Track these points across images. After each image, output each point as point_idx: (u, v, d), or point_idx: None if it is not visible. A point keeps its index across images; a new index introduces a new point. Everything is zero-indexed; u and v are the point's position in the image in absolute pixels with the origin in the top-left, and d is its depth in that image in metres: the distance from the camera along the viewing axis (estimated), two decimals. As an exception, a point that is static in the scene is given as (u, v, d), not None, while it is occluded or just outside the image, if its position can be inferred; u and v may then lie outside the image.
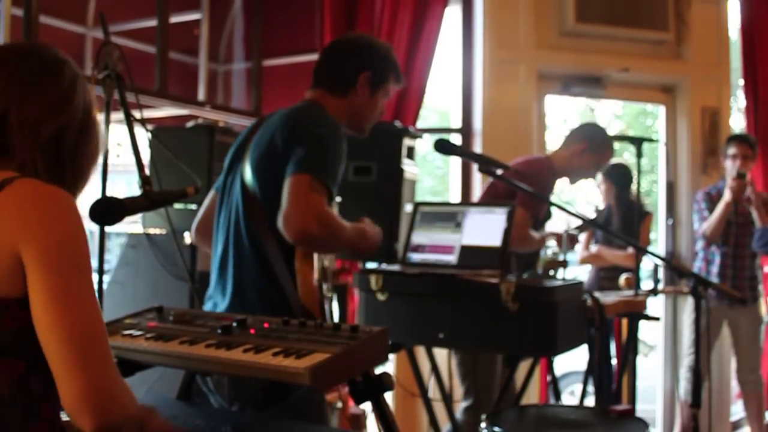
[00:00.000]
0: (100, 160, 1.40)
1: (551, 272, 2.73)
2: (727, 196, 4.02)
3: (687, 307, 4.38)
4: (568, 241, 3.04)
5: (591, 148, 3.32)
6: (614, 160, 4.01)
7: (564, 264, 2.72)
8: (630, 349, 3.47)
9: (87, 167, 1.32)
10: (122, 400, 1.13)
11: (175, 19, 3.69)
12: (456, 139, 4.35)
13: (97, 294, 2.31)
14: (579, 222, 3.34)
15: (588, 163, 3.34)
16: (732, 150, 4.13)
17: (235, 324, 1.46)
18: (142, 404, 1.28)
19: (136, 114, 2.11)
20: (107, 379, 1.11)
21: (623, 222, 4.23)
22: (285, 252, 1.79)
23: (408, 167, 2.99)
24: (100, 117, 2.05)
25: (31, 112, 1.22)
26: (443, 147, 2.34)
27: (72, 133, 1.27)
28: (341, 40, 2.18)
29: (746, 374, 4.12)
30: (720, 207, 4.06)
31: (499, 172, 2.45)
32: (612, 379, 3.28)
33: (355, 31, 3.74)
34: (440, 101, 10.16)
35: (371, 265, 2.78)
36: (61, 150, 1.26)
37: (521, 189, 2.53)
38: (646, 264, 4.12)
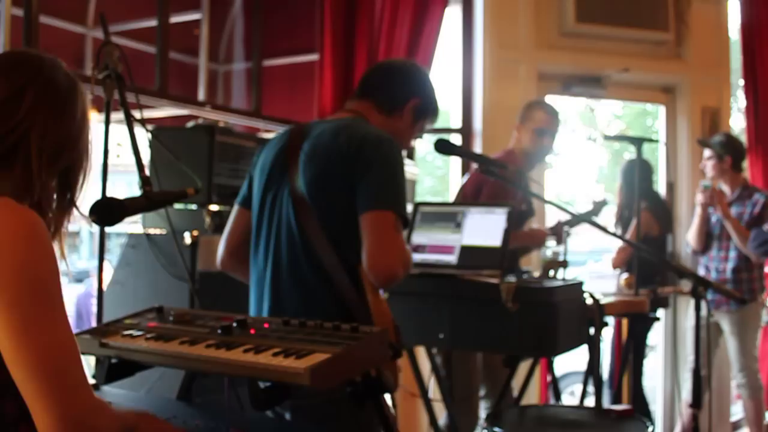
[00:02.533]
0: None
1: (551, 272, 2.73)
2: (697, 208, 4.11)
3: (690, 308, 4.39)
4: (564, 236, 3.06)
5: (521, 120, 3.41)
6: (628, 156, 4.02)
7: (564, 264, 2.73)
8: (630, 349, 3.47)
9: (82, 190, 1.32)
10: (100, 422, 1.09)
11: (175, 19, 3.69)
12: (456, 139, 4.35)
13: (97, 294, 2.33)
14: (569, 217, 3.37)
15: (529, 137, 3.38)
16: (704, 154, 4.21)
17: (235, 324, 1.46)
18: (133, 412, 1.25)
19: (136, 114, 2.10)
20: (81, 408, 1.06)
21: (625, 219, 4.25)
22: (348, 268, 1.73)
23: (408, 167, 2.99)
24: (99, 118, 2.06)
25: (52, 141, 1.21)
26: (443, 147, 2.34)
27: (80, 164, 1.28)
28: (399, 61, 2.22)
29: (740, 378, 4.10)
30: (695, 219, 4.15)
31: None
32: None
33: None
34: (440, 101, 10.15)
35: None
36: (68, 179, 1.26)
37: (524, 190, 2.54)
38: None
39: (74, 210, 1.30)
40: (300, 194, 1.79)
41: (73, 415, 1.05)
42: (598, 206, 3.46)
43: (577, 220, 3.51)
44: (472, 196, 3.22)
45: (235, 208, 2.03)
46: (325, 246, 1.74)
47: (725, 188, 4.16)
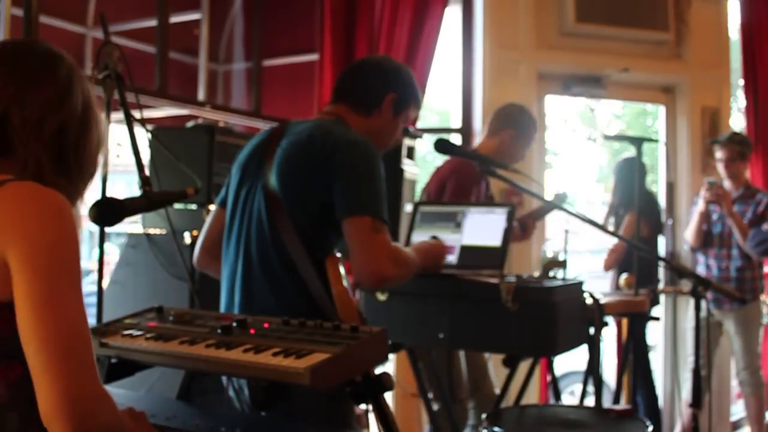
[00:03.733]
0: (104, 152, 1.40)
1: (551, 272, 2.73)
2: (700, 205, 4.10)
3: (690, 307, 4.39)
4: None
5: (519, 133, 3.34)
6: (624, 155, 4.00)
7: (564, 264, 2.72)
8: (630, 348, 3.47)
9: (91, 160, 1.31)
10: (101, 410, 1.09)
11: (175, 19, 3.69)
12: (456, 139, 4.35)
13: (96, 294, 2.33)
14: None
15: (518, 149, 3.35)
16: (717, 154, 4.19)
17: (234, 324, 1.46)
18: (131, 410, 1.26)
19: (136, 114, 2.10)
20: (86, 388, 1.07)
21: (620, 218, 4.25)
22: (316, 263, 1.74)
23: (408, 167, 2.99)
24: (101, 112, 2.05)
25: (32, 109, 1.21)
26: (443, 147, 2.34)
27: (74, 127, 1.26)
28: (369, 60, 2.22)
29: (743, 376, 4.11)
30: (695, 216, 4.15)
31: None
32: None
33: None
34: (440, 101, 10.17)
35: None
36: (64, 145, 1.25)
37: (523, 190, 2.54)
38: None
39: (87, 179, 1.30)
40: (272, 189, 1.81)
41: (76, 395, 1.06)
42: (559, 198, 3.44)
43: (541, 212, 3.51)
44: (435, 193, 3.21)
45: (214, 208, 2.05)
46: (293, 239, 1.75)
47: (729, 186, 4.16)
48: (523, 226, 3.41)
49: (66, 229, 1.13)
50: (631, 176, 4.19)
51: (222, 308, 1.94)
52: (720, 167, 4.17)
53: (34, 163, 1.20)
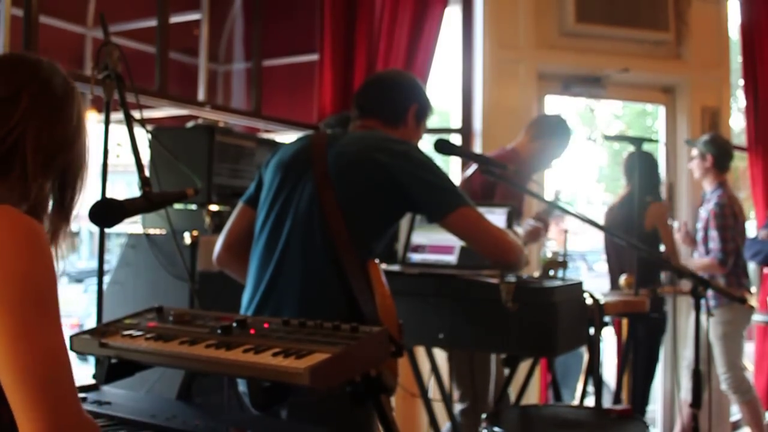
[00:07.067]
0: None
1: (551, 272, 2.73)
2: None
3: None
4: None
5: (546, 135, 3.42)
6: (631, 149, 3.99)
7: (564, 264, 2.72)
8: (630, 348, 3.47)
9: (80, 197, 1.32)
10: None
11: (175, 19, 3.69)
12: (456, 139, 4.35)
13: (97, 294, 2.33)
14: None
15: (553, 157, 3.45)
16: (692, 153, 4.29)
17: (234, 324, 1.46)
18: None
19: (136, 114, 2.10)
20: (68, 420, 1.05)
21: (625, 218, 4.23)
22: (361, 262, 1.80)
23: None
24: (99, 119, 2.05)
25: (47, 144, 1.21)
26: (443, 147, 2.34)
27: (75, 168, 1.27)
28: (386, 75, 2.38)
29: (725, 386, 4.10)
30: None
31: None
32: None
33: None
34: (440, 101, 10.16)
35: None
36: (63, 184, 1.26)
37: (523, 189, 2.54)
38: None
39: (73, 213, 1.30)
40: (328, 195, 1.85)
41: (59, 426, 1.03)
42: (557, 197, 3.47)
43: (550, 209, 3.52)
44: (481, 192, 3.20)
45: (239, 205, 2.07)
46: (345, 239, 1.80)
47: (707, 187, 4.17)
48: (544, 223, 3.42)
49: (39, 259, 1.07)
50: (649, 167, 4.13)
51: (245, 301, 1.94)
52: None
53: (38, 198, 1.20)
